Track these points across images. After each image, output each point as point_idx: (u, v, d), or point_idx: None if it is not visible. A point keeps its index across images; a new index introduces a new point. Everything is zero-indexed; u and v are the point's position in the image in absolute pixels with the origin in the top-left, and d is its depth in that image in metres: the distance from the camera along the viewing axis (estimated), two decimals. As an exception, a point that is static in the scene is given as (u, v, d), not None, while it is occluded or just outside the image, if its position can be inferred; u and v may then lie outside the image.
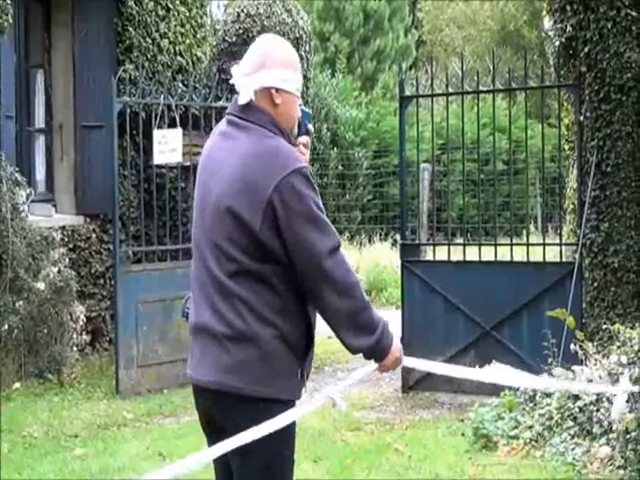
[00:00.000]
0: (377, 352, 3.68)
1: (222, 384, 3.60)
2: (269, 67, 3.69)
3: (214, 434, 3.71)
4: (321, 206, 3.62)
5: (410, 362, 3.95)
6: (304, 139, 3.87)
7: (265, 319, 3.59)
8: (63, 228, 10.91)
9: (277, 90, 3.70)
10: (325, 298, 3.59)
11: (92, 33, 11.36)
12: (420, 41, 33.75)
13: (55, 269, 10.19)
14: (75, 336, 10.31)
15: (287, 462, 3.71)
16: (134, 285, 9.96)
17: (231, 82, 3.76)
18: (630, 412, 6.34)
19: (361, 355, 3.72)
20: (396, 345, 3.71)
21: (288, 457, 3.71)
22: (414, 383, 9.72)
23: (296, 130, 3.83)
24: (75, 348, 10.30)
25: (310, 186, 3.59)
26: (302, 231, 3.55)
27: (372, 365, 3.78)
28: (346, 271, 3.61)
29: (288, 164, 3.58)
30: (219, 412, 3.67)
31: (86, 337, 10.64)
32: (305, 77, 11.40)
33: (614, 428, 6.45)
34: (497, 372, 4.37)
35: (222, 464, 3.76)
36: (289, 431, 3.65)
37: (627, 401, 3.86)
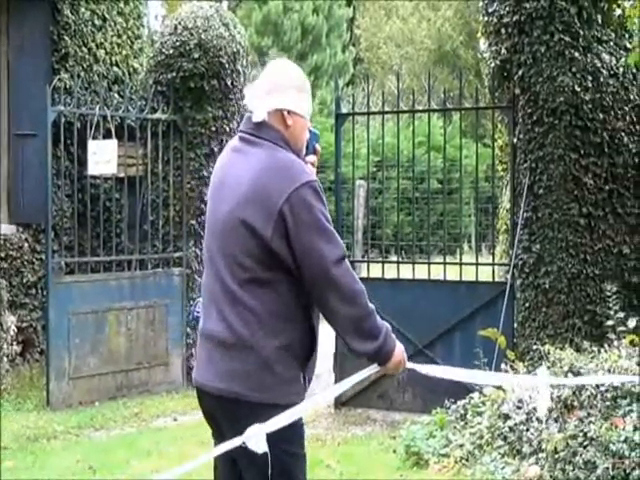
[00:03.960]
0: (381, 356, 3.86)
1: (225, 390, 3.74)
2: (282, 90, 3.88)
3: (219, 436, 3.89)
4: (329, 218, 3.77)
5: (413, 366, 4.10)
6: (312, 158, 4.05)
7: (269, 327, 3.73)
8: (-5, 237, 10.77)
9: (289, 112, 3.88)
10: (332, 305, 3.76)
11: (27, 40, 11.23)
12: (357, 58, 33.93)
13: (-14, 278, 10.08)
14: (5, 346, 10.19)
15: (294, 460, 3.80)
16: (66, 296, 9.88)
17: (244, 102, 3.96)
18: (559, 432, 6.45)
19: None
20: (399, 350, 3.89)
21: (295, 454, 3.80)
22: (347, 400, 9.74)
23: (304, 150, 4.00)
24: (5, 359, 10.18)
25: (319, 199, 3.75)
26: (311, 241, 3.70)
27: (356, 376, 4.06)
28: (352, 279, 3.76)
29: (299, 177, 3.74)
30: (221, 416, 3.82)
31: (17, 347, 10.50)
32: (241, 92, 11.39)
33: (543, 448, 6.54)
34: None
35: (228, 465, 3.89)
36: (293, 430, 3.75)
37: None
